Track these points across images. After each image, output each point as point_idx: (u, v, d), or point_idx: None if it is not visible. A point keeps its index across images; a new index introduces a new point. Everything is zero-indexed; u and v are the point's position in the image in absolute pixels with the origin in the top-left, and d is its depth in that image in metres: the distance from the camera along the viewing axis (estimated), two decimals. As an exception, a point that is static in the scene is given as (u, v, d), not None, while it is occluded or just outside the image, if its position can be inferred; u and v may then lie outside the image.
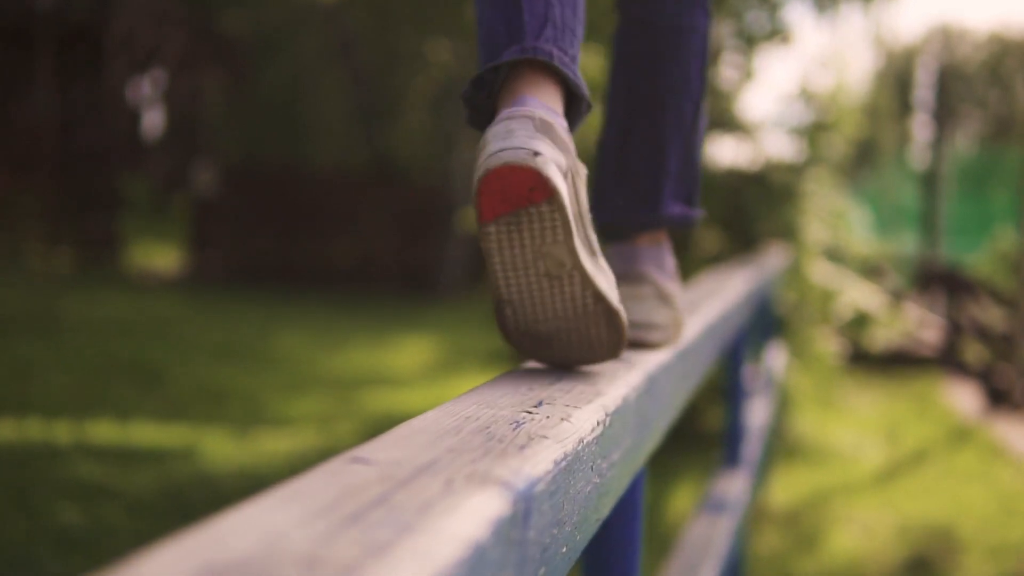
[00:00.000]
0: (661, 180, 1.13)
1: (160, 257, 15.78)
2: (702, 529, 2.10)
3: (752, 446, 3.03)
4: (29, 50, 13.75)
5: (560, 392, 0.66)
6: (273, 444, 4.89)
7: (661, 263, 1.11)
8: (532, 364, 0.80)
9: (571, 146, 0.92)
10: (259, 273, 13.77)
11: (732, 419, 2.74)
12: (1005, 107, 32.80)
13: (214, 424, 5.24)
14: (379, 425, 5.57)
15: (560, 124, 0.91)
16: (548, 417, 0.57)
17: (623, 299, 1.04)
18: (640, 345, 1.06)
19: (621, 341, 0.87)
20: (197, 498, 3.81)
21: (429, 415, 0.55)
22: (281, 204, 14.16)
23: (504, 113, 0.89)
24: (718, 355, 1.67)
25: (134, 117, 23.27)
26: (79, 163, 13.91)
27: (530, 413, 0.57)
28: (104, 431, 4.84)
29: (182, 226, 14.90)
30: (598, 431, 0.62)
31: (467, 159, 14.19)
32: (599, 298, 0.86)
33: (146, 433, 4.90)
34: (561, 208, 0.83)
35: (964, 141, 30.61)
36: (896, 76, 29.92)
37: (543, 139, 0.87)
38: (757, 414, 3.60)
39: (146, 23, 15.28)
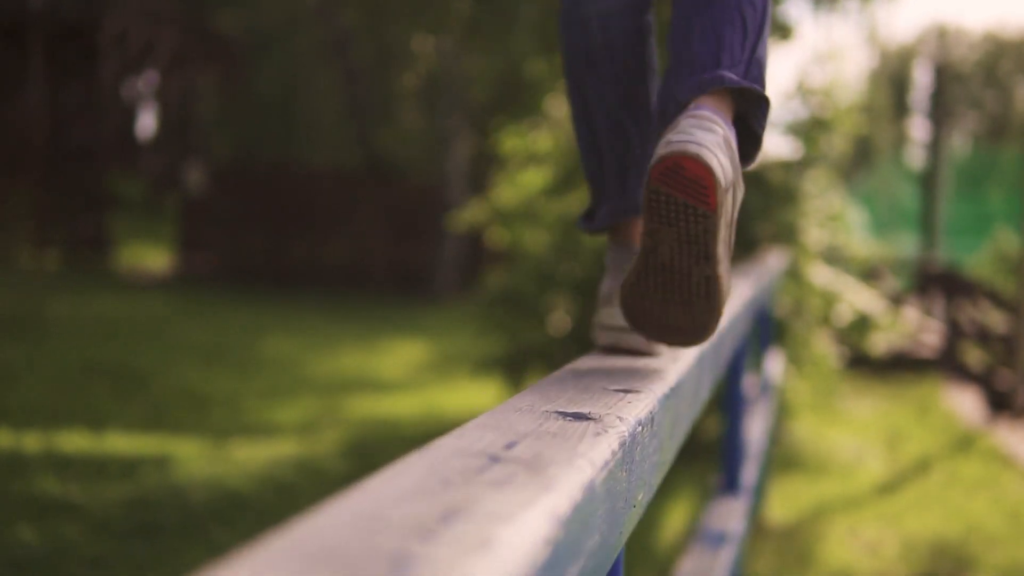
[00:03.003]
0: (719, 54, 1.08)
1: (151, 257, 15.59)
2: (697, 562, 1.92)
3: (750, 467, 2.84)
4: (22, 48, 13.56)
5: (490, 488, 0.43)
6: (251, 454, 4.69)
7: (731, 132, 1.00)
8: (472, 427, 0.60)
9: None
10: (250, 274, 13.58)
11: (730, 438, 2.56)
12: (1000, 107, 32.72)
13: (192, 432, 5.05)
14: (363, 434, 5.38)
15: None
16: (456, 544, 0.36)
17: (684, 128, 0.96)
18: (679, 167, 0.93)
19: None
20: (165, 516, 3.61)
21: (275, 546, 0.35)
22: (273, 204, 13.96)
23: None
24: (714, 383, 1.48)
25: (127, 116, 23.06)
26: (70, 162, 13.74)
27: (430, 536, 0.37)
28: (76, 441, 4.65)
29: (173, 226, 14.71)
30: (544, 555, 0.40)
31: (461, 159, 13.99)
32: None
33: (119, 443, 4.71)
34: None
35: (959, 141, 30.54)
36: (892, 76, 29.83)
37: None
38: (755, 426, 3.42)
39: (139, 22, 15.10)
